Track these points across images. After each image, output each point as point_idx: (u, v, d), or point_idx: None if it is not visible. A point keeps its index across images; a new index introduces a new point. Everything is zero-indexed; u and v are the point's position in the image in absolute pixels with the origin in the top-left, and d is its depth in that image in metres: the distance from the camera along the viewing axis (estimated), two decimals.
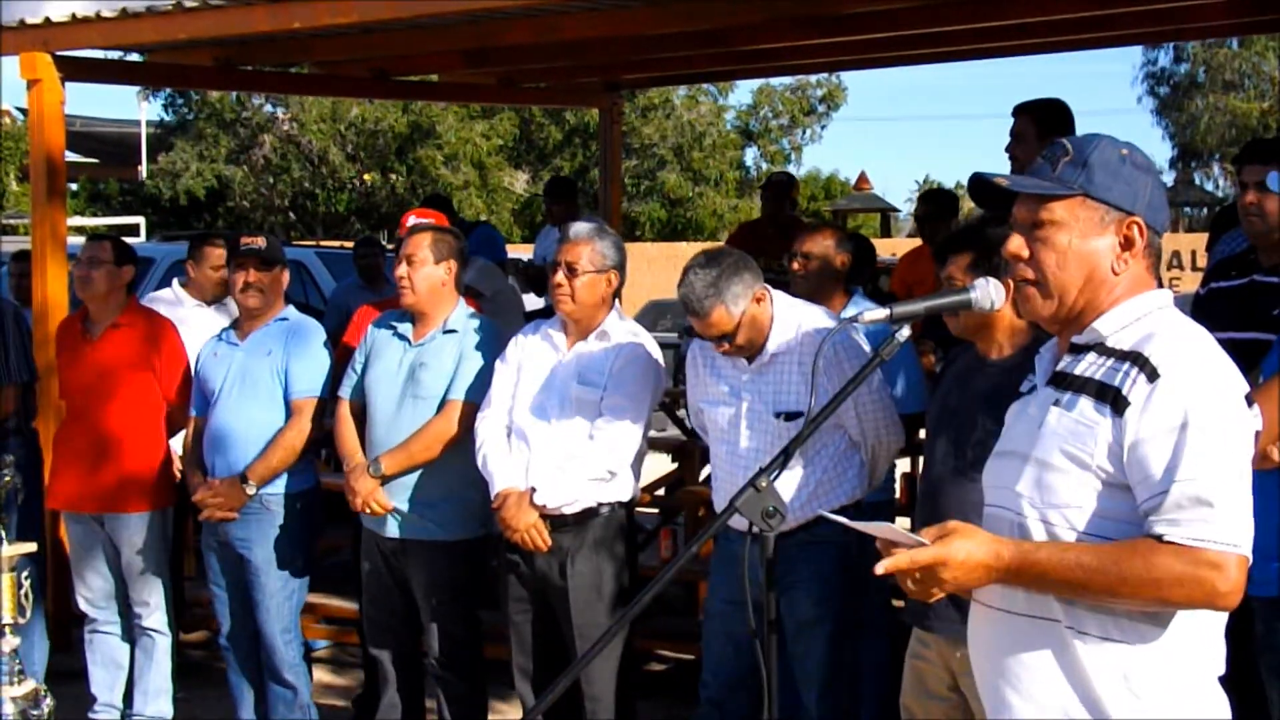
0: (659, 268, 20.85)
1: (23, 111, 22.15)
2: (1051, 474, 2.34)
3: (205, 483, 5.10)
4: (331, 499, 5.42)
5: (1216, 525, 2.20)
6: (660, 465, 7.74)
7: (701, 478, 7.67)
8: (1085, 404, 2.33)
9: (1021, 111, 5.44)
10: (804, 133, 32.53)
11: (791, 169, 33.70)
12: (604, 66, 9.13)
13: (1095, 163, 2.38)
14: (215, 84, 12.39)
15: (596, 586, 4.48)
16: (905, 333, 2.59)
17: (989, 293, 2.62)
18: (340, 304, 8.42)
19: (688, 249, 23.09)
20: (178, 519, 5.66)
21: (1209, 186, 36.12)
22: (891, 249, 16.08)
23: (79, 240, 7.43)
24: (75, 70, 7.15)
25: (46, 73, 6.89)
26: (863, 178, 25.64)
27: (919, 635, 3.77)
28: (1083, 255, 2.37)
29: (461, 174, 27.83)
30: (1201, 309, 4.34)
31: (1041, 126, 5.21)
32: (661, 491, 7.67)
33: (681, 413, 7.92)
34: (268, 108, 28.53)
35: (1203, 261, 5.87)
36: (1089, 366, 2.36)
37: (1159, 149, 38.29)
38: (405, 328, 4.88)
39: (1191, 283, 17.30)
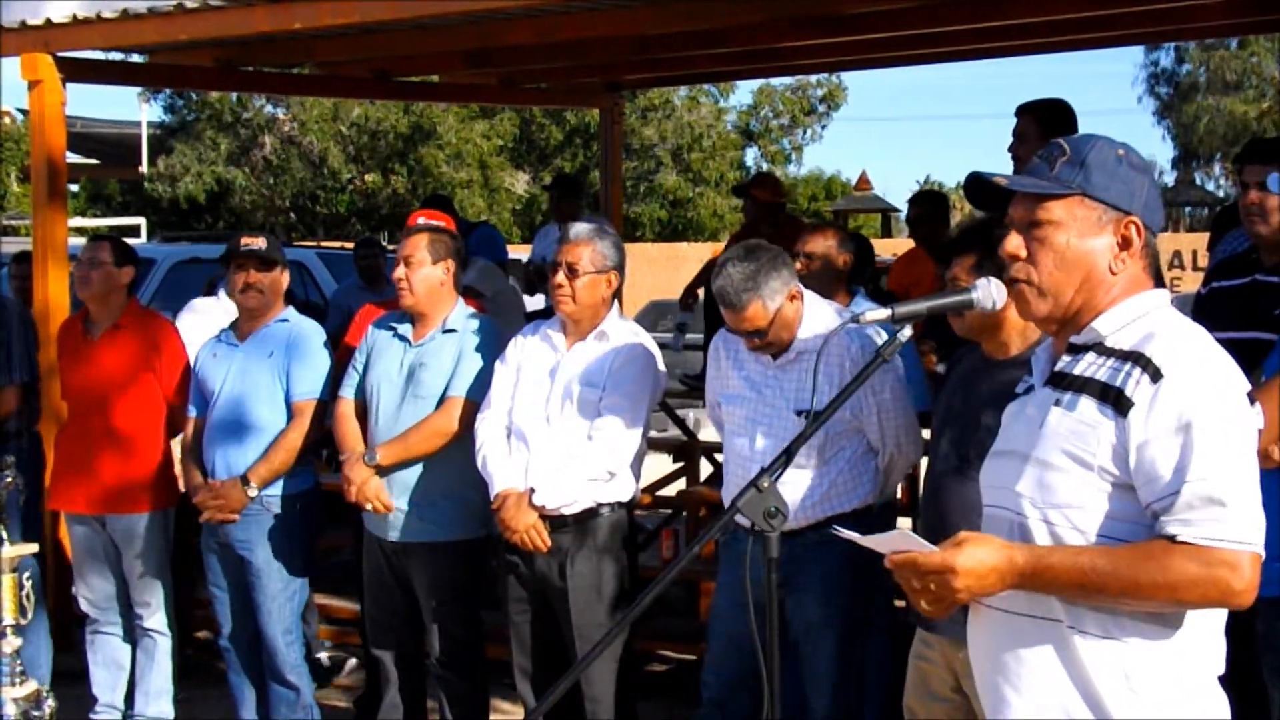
0: (659, 268, 20.86)
1: (23, 112, 22.18)
2: (1052, 474, 2.34)
3: (205, 484, 5.10)
4: (332, 499, 5.42)
5: (1229, 524, 2.20)
6: (661, 465, 7.74)
7: (703, 478, 7.69)
8: (1087, 404, 2.33)
9: (1025, 111, 5.44)
10: (804, 133, 32.54)
11: (792, 169, 33.75)
12: (604, 67, 9.13)
13: (1093, 163, 2.38)
14: (216, 85, 12.40)
15: (596, 587, 4.48)
16: (907, 333, 2.59)
17: (990, 292, 2.62)
18: (342, 304, 8.43)
19: (688, 249, 23.13)
20: (181, 520, 5.66)
21: (1210, 186, 36.13)
22: (892, 249, 16.07)
23: (80, 241, 7.44)
24: (76, 71, 7.15)
25: (47, 74, 6.89)
26: (863, 178, 25.65)
27: (922, 636, 3.77)
28: (1080, 255, 2.38)
29: (464, 172, 27.84)
30: (1203, 309, 4.34)
31: (1045, 126, 5.21)
32: (662, 492, 7.67)
33: (681, 412, 7.93)
34: (268, 109, 28.53)
35: (1203, 261, 5.88)
36: (1089, 366, 2.36)
37: (1160, 149, 38.29)
38: (405, 328, 4.88)
39: (1192, 282, 17.31)
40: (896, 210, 25.98)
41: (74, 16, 6.83)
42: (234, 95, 26.35)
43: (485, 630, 4.96)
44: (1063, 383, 2.39)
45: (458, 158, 27.82)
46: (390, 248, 9.05)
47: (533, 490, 4.42)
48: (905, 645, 3.90)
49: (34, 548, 3.93)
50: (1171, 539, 2.22)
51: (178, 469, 5.47)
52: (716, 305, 6.87)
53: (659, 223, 30.35)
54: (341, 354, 5.40)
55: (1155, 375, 2.26)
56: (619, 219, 9.90)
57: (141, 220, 22.29)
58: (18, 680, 3.69)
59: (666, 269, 20.66)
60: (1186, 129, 36.45)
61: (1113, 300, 2.39)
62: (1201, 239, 14.50)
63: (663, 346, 4.92)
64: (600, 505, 4.48)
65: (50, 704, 3.74)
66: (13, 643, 3.69)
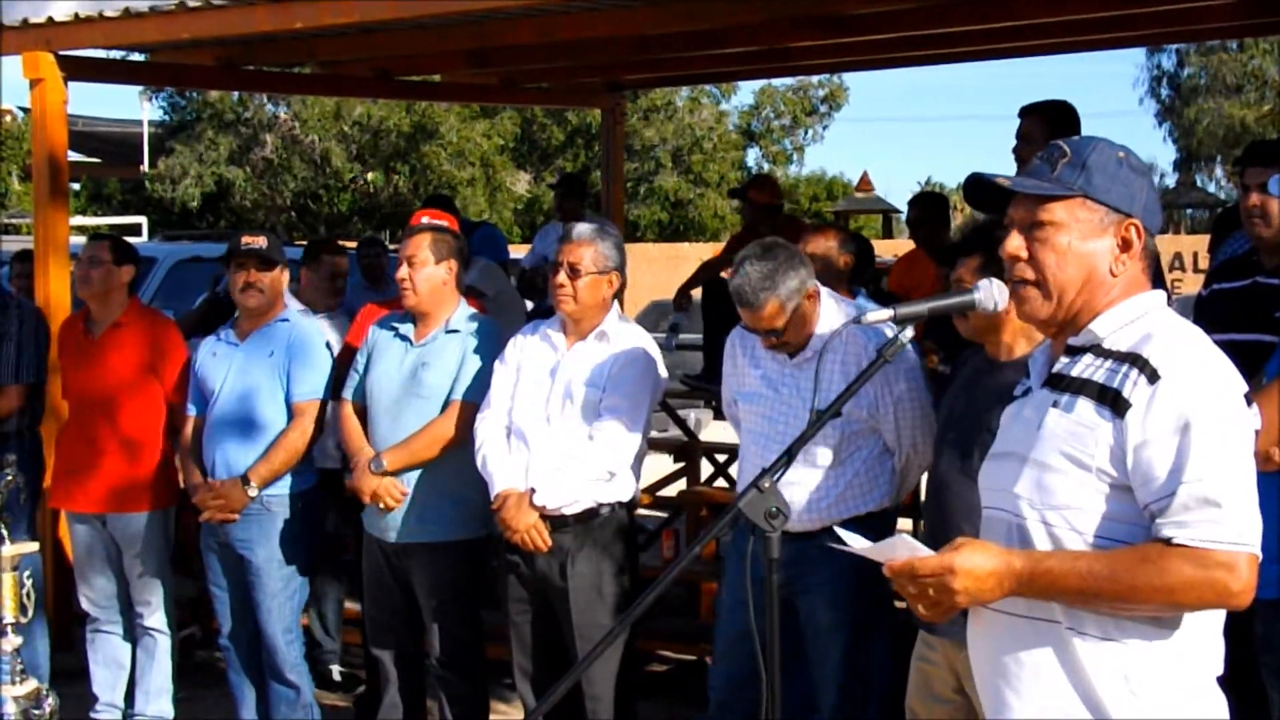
0: (660, 268, 20.85)
1: (25, 111, 22.18)
2: (1050, 475, 2.35)
3: (205, 483, 5.10)
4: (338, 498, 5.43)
5: (1225, 525, 2.21)
6: (662, 466, 7.74)
7: (704, 478, 7.70)
8: (1084, 406, 2.33)
9: (1030, 112, 5.44)
10: (806, 133, 32.55)
11: (793, 170, 33.76)
12: (606, 67, 9.14)
13: (1094, 165, 2.39)
14: (218, 84, 12.40)
15: (597, 587, 4.48)
16: (909, 333, 2.59)
17: (992, 293, 2.62)
18: (346, 302, 8.42)
19: (689, 249, 23.12)
20: (182, 518, 5.67)
21: (1211, 188, 36.13)
22: (893, 250, 16.07)
23: (81, 240, 7.44)
24: (78, 70, 7.15)
25: (49, 72, 6.89)
26: (864, 179, 25.63)
27: (924, 638, 3.77)
28: (1082, 256, 2.38)
29: (466, 171, 27.84)
30: (1203, 310, 4.34)
31: (1051, 127, 5.20)
32: (663, 492, 7.67)
33: (682, 413, 7.93)
34: (269, 107, 28.54)
35: (1204, 263, 5.88)
36: (1086, 368, 2.37)
37: (1161, 151, 38.32)
38: (407, 328, 4.88)
39: (1193, 284, 17.30)
40: (898, 211, 25.97)
41: (76, 15, 6.83)
42: (235, 94, 26.34)
43: (485, 630, 4.97)
44: (1060, 384, 2.39)
45: (459, 157, 27.81)
46: (392, 247, 9.07)
47: (533, 490, 4.42)
48: (907, 647, 3.90)
49: (34, 546, 3.93)
50: (1168, 541, 2.22)
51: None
52: (715, 304, 6.87)
53: (659, 224, 30.35)
54: (343, 354, 5.40)
55: (1153, 376, 2.27)
56: (620, 219, 9.90)
57: (143, 219, 22.27)
58: (18, 679, 3.69)
59: (667, 269, 20.64)
60: (1188, 131, 36.44)
61: (1111, 302, 2.39)
62: (1202, 241, 14.50)
63: (663, 347, 4.92)
64: (601, 505, 4.48)
65: (50, 702, 3.74)
66: (13, 641, 3.68)
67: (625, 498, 4.54)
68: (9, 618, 3.65)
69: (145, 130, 27.70)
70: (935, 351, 5.25)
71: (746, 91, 33.11)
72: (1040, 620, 2.35)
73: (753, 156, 32.67)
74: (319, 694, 5.49)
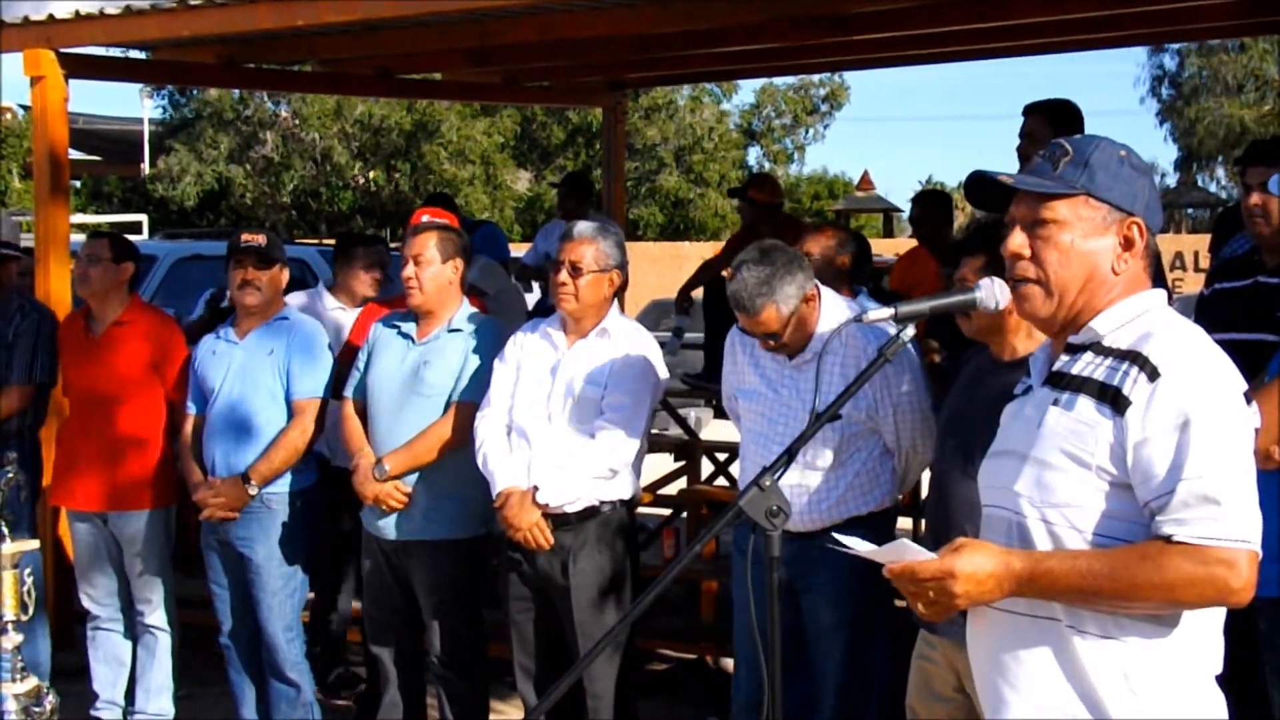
0: (661, 267, 20.85)
1: (25, 108, 22.18)
2: (1050, 473, 2.35)
3: (206, 481, 5.10)
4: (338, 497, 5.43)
5: (1225, 523, 2.21)
6: (663, 465, 7.74)
7: (704, 477, 7.70)
8: (1085, 404, 2.33)
9: (1034, 111, 5.44)
10: (807, 132, 32.55)
11: (794, 169, 33.75)
12: (607, 65, 9.14)
13: (1096, 163, 2.39)
14: (219, 81, 12.39)
15: (599, 585, 4.48)
16: (910, 332, 2.59)
17: (994, 292, 2.62)
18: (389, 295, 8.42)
19: (690, 248, 23.12)
20: (182, 517, 5.67)
21: (1212, 188, 36.14)
22: (894, 249, 16.07)
23: (82, 238, 7.43)
24: (78, 67, 7.15)
25: (50, 69, 6.89)
26: (865, 178, 25.63)
27: (925, 637, 3.77)
28: (1084, 255, 2.38)
29: (466, 170, 27.84)
30: (1205, 310, 4.34)
31: (1055, 126, 5.20)
32: (663, 491, 7.67)
33: (683, 411, 7.93)
34: (269, 106, 28.53)
35: (1205, 262, 5.88)
36: (1087, 366, 2.37)
37: (1162, 150, 38.30)
38: (409, 326, 4.88)
39: (1194, 284, 17.30)
40: (898, 210, 25.98)
41: (77, 12, 6.83)
42: (235, 92, 26.34)
43: (487, 629, 4.96)
44: (1061, 382, 2.40)
45: (460, 155, 27.81)
46: (394, 245, 9.07)
47: (536, 488, 4.42)
48: (907, 646, 3.90)
49: (35, 544, 3.93)
50: (1168, 539, 2.22)
51: None
52: (716, 303, 6.87)
53: (659, 225, 30.35)
54: (344, 352, 5.40)
55: (1153, 374, 2.27)
56: (621, 218, 9.90)
57: (143, 217, 22.27)
58: (19, 676, 3.69)
59: (669, 268, 20.64)
60: (1188, 131, 36.44)
61: (1112, 300, 2.40)
62: (1203, 240, 14.49)
63: (662, 346, 4.92)
64: (602, 503, 4.48)
65: (51, 700, 3.75)
66: (13, 639, 3.69)
67: (626, 496, 4.54)
68: (10, 615, 3.65)
69: (146, 128, 27.71)
70: (937, 350, 5.26)
71: (748, 90, 33.13)
72: (1040, 618, 2.35)
73: (754, 155, 32.69)
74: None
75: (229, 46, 7.75)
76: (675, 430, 7.91)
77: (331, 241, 16.89)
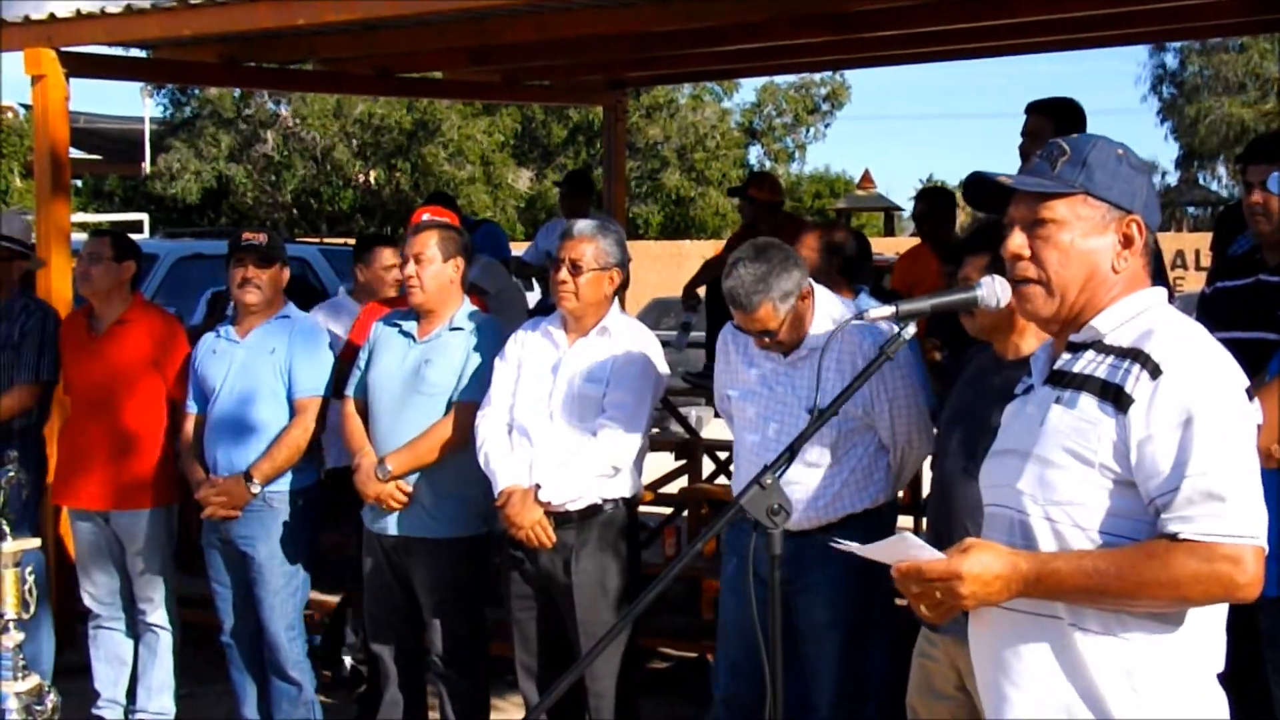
0: (663, 266, 20.85)
1: (26, 107, 22.18)
2: (1053, 471, 2.35)
3: (208, 480, 5.10)
4: (335, 497, 5.42)
5: (1230, 519, 2.21)
6: (664, 463, 7.74)
7: (705, 475, 7.69)
8: (1087, 401, 2.33)
9: (1036, 110, 5.44)
10: (808, 131, 32.54)
11: (795, 168, 33.74)
12: (607, 64, 9.13)
13: (1094, 162, 2.40)
14: (219, 81, 12.38)
15: (600, 583, 4.48)
16: (911, 330, 2.59)
17: (995, 290, 2.61)
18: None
19: (691, 247, 23.12)
20: (184, 515, 5.67)
21: (1214, 186, 36.13)
22: (895, 248, 16.06)
23: (84, 237, 7.43)
24: (79, 66, 7.15)
25: (51, 68, 6.89)
26: (866, 177, 25.63)
27: (926, 635, 3.76)
28: (1084, 254, 2.39)
29: (467, 170, 27.83)
30: (1206, 308, 4.34)
31: (1057, 124, 5.20)
32: (664, 489, 7.67)
33: (684, 410, 7.93)
34: (269, 105, 28.53)
35: (1206, 261, 5.88)
36: (1088, 364, 2.37)
37: (1163, 149, 38.32)
38: (410, 325, 4.88)
39: (1195, 282, 17.29)
40: (899, 209, 25.99)
41: (77, 11, 6.83)
42: (236, 91, 26.35)
43: (488, 627, 4.96)
44: (1062, 381, 2.40)
45: (459, 155, 27.81)
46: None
47: (538, 487, 4.42)
48: (907, 644, 3.90)
49: (36, 542, 3.93)
50: (1173, 537, 2.22)
51: None
52: (718, 302, 6.86)
53: (661, 222, 30.35)
54: (346, 351, 5.40)
55: (1155, 371, 2.27)
56: (622, 217, 9.90)
57: (144, 216, 22.27)
58: (20, 675, 3.69)
59: (669, 266, 20.64)
60: (1189, 129, 36.44)
61: (1113, 299, 2.40)
62: (1204, 239, 14.50)
63: (665, 345, 4.92)
64: (604, 501, 4.48)
65: (52, 699, 3.74)
66: (14, 637, 3.68)
67: (628, 494, 4.55)
68: (11, 614, 3.64)
69: (147, 127, 27.69)
70: (938, 349, 5.26)
71: (749, 89, 33.16)
72: (1042, 616, 2.35)
73: (755, 154, 32.68)
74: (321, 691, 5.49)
75: (230, 45, 7.75)
76: (676, 429, 7.90)
77: (332, 240, 16.93)
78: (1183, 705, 2.31)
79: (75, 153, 12.28)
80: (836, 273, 5.07)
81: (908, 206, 28.95)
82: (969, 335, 3.74)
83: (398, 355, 4.85)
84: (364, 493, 4.76)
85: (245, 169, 28.65)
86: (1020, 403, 2.53)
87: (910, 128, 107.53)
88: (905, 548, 2.37)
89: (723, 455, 7.73)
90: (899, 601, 4.85)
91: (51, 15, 6.87)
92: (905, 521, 6.20)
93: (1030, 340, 3.57)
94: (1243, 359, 2.38)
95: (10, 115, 26.61)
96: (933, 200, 7.46)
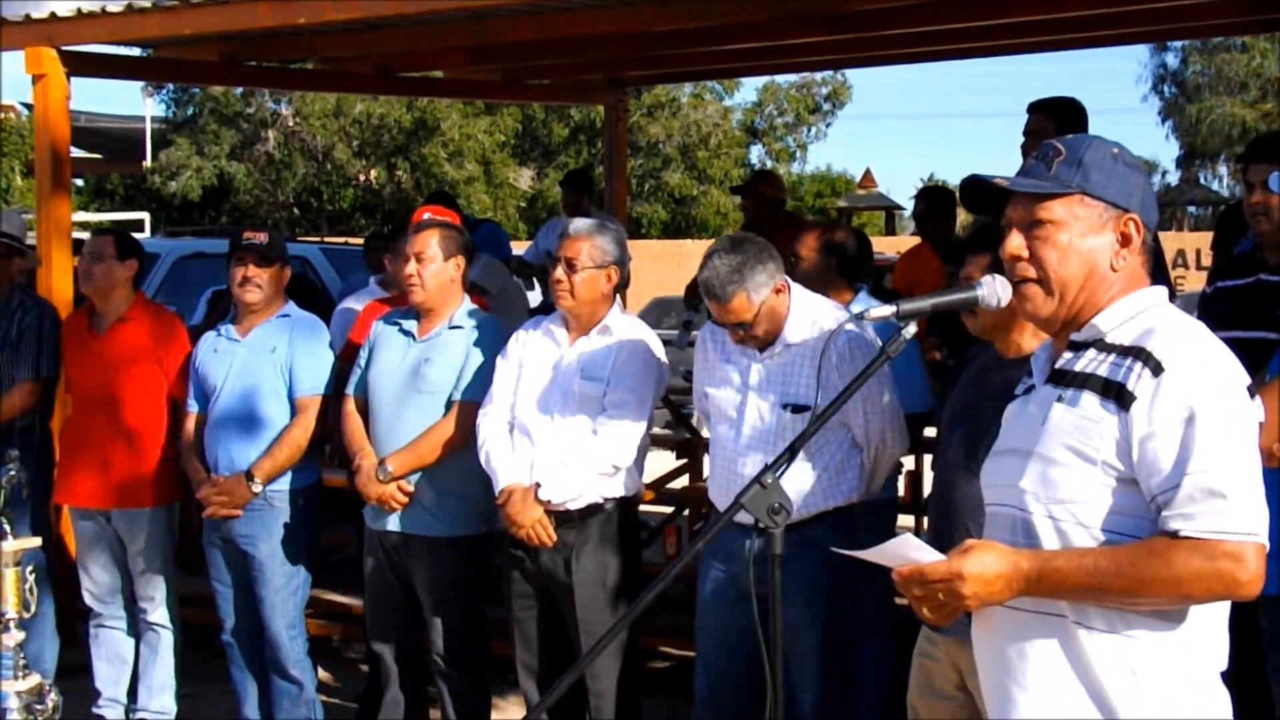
0: (664, 265, 20.86)
1: (27, 107, 22.18)
2: (1056, 469, 2.35)
3: (209, 479, 5.10)
4: (336, 496, 5.43)
5: (1231, 516, 2.21)
6: (664, 462, 7.74)
7: (706, 475, 7.69)
8: (1089, 400, 2.34)
9: (1039, 109, 5.43)
10: (809, 130, 32.55)
11: (796, 167, 33.75)
12: (608, 63, 9.14)
13: (1090, 162, 2.40)
14: (220, 79, 12.39)
15: (601, 582, 4.48)
16: (911, 330, 2.59)
17: (995, 290, 2.61)
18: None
19: (693, 246, 23.12)
20: (186, 514, 5.67)
21: (1214, 186, 36.13)
22: (896, 247, 16.07)
23: (85, 236, 7.43)
24: (80, 65, 7.15)
25: (51, 67, 6.89)
26: (867, 176, 25.64)
27: (927, 634, 3.76)
28: (1083, 253, 2.39)
29: (466, 170, 27.84)
30: (1207, 308, 4.34)
31: (1059, 124, 5.20)
32: (665, 488, 7.67)
33: (685, 409, 7.91)
34: (270, 105, 28.53)
35: (1206, 260, 5.88)
36: (1090, 363, 2.38)
37: (1164, 148, 38.33)
38: (410, 324, 4.88)
39: (1196, 282, 17.28)
40: (900, 208, 25.98)
41: (78, 10, 6.84)
42: (237, 90, 26.35)
43: (490, 627, 4.96)
44: (1064, 380, 2.40)
45: (459, 155, 27.81)
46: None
47: (538, 485, 4.42)
48: (906, 644, 3.90)
49: (37, 541, 3.93)
50: (1174, 534, 2.22)
51: None
52: None
53: (663, 223, 30.36)
54: (346, 350, 5.40)
55: (1157, 369, 2.27)
56: (623, 216, 9.91)
57: (145, 215, 22.29)
58: (20, 674, 3.69)
59: (670, 265, 20.65)
60: (1190, 129, 36.45)
61: (1113, 298, 2.40)
62: (1205, 238, 14.50)
63: (667, 343, 4.92)
64: (605, 500, 4.48)
65: (53, 698, 3.74)
66: (15, 636, 3.68)
67: (629, 493, 4.54)
68: (11, 613, 3.64)
69: (148, 126, 27.71)
70: (938, 348, 5.27)
71: (749, 88, 33.18)
72: (1046, 615, 2.35)
73: (756, 154, 32.69)
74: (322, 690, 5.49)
75: (230, 44, 7.75)
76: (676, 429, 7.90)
77: (333, 239, 16.94)
78: (1187, 703, 2.31)
79: (76, 152, 12.31)
80: (836, 272, 5.08)
81: (909, 205, 28.95)
82: (969, 335, 3.74)
83: (397, 354, 4.85)
84: (365, 494, 4.76)
85: (246, 167, 28.66)
86: (1022, 402, 2.53)
87: (911, 127, 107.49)
88: (906, 550, 2.37)
89: None
90: (899, 601, 4.86)
91: (52, 14, 6.87)
92: (906, 521, 6.20)
93: (1031, 339, 3.57)
94: (1243, 358, 2.38)
95: (11, 115, 26.63)
96: (933, 200, 7.46)
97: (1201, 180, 36.06)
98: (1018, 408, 2.54)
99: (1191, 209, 32.52)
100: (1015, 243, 2.43)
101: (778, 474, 2.58)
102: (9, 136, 26.32)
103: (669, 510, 7.73)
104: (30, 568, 3.71)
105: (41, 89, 6.95)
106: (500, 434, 4.55)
